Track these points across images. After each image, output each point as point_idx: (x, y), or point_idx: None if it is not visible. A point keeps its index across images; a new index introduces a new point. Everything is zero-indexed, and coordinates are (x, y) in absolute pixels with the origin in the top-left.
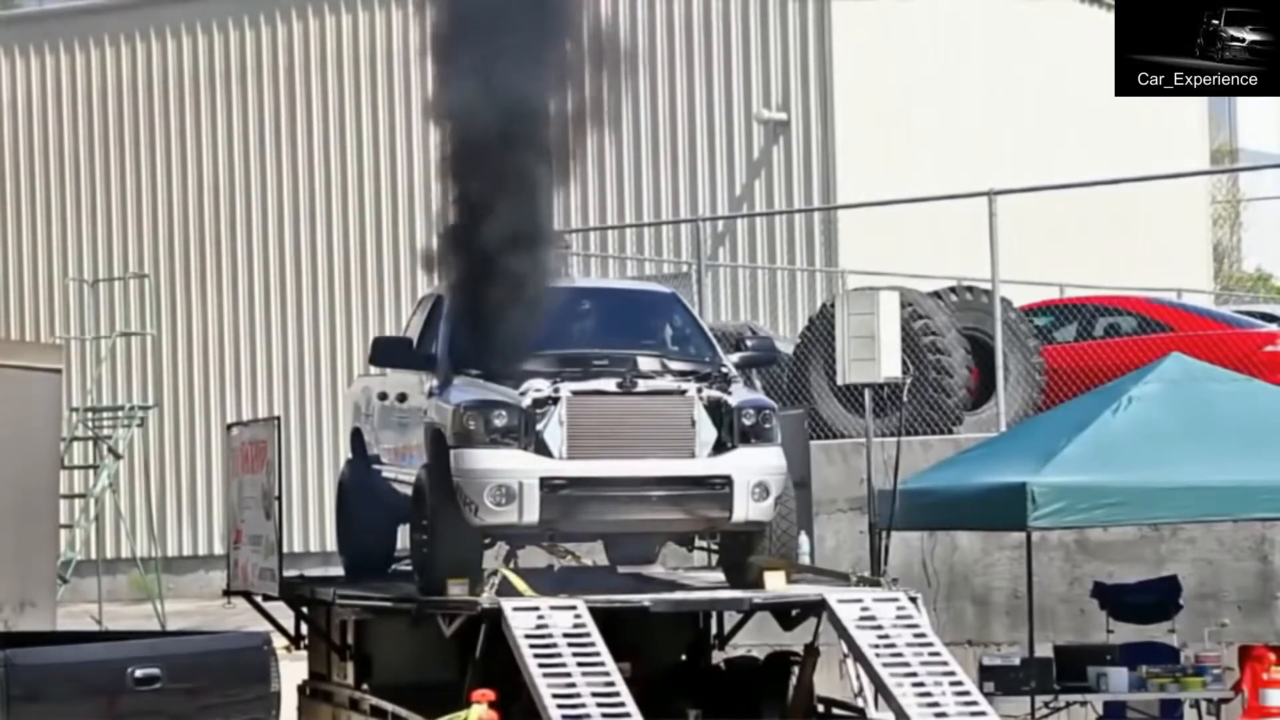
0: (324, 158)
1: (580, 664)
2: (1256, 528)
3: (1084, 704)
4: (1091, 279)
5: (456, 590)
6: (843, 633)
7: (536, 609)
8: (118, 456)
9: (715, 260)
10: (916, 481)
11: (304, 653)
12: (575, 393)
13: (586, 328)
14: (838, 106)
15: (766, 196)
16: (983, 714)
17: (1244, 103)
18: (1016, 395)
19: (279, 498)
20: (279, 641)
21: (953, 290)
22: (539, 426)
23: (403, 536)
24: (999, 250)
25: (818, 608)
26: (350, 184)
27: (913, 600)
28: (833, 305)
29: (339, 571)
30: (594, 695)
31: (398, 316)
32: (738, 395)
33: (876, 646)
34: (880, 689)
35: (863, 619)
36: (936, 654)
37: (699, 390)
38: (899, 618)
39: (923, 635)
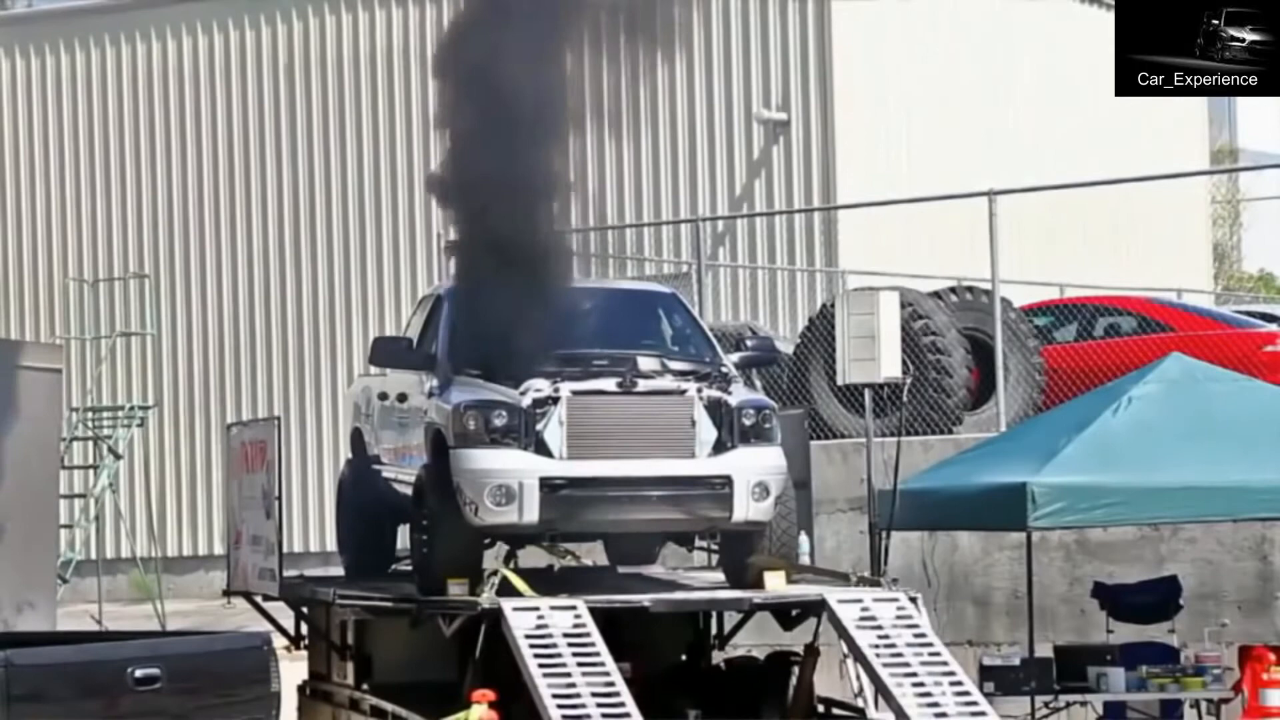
0: (324, 157)
1: (580, 664)
2: (1256, 528)
3: (1084, 704)
4: (1091, 279)
5: (456, 590)
6: (843, 633)
7: (536, 609)
8: (118, 456)
9: (715, 260)
10: (916, 481)
11: (304, 653)
12: (575, 393)
13: (586, 328)
14: (838, 106)
15: (766, 196)
16: (983, 714)
17: (1244, 103)
18: (1016, 395)
19: (279, 498)
20: (279, 641)
21: (953, 290)
22: (539, 426)
23: (403, 536)
24: (999, 250)
25: (818, 608)
26: (350, 183)
27: (913, 600)
28: (833, 305)
29: (339, 571)
30: (594, 695)
31: (398, 316)
32: (738, 395)
33: (876, 646)
34: (880, 689)
35: (863, 619)
36: (936, 654)
37: (699, 390)
38: (899, 618)
39: (923, 635)
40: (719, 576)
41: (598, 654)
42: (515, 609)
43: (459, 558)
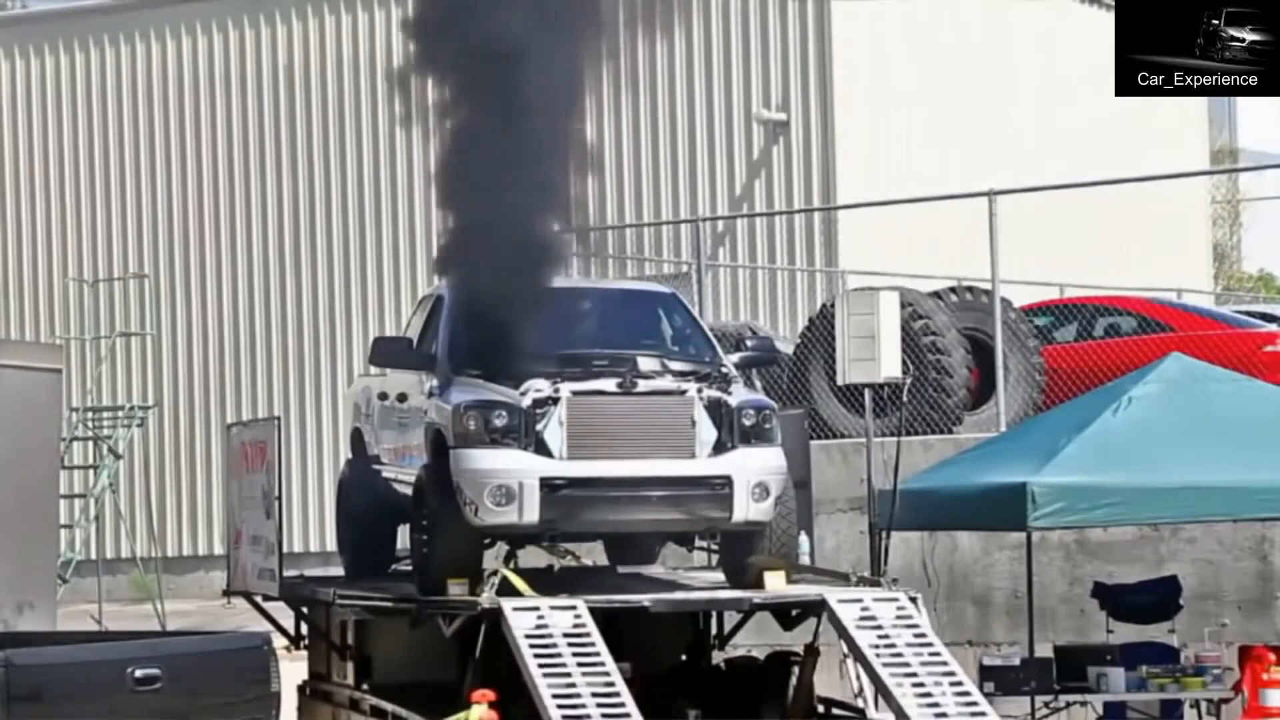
0: (324, 158)
1: (580, 664)
2: (1256, 528)
3: (1084, 704)
4: (1091, 279)
5: (456, 590)
6: (843, 633)
7: (536, 609)
8: (118, 456)
9: (715, 260)
10: (916, 481)
11: (304, 653)
12: (575, 393)
13: (586, 328)
14: (838, 106)
15: (766, 196)
16: (983, 714)
17: (1244, 103)
18: (1016, 395)
19: (279, 498)
20: (279, 641)
21: (953, 290)
22: (539, 426)
23: (403, 536)
24: (999, 250)
25: (818, 608)
26: (350, 184)
27: (913, 600)
28: (833, 305)
29: (339, 571)
30: (594, 695)
31: (398, 316)
32: (738, 395)
33: (876, 646)
34: (880, 689)
35: (863, 619)
36: (936, 654)
37: (699, 390)
38: (899, 618)
39: (923, 635)
40: (719, 576)
41: (598, 654)
42: (515, 609)
43: (459, 558)
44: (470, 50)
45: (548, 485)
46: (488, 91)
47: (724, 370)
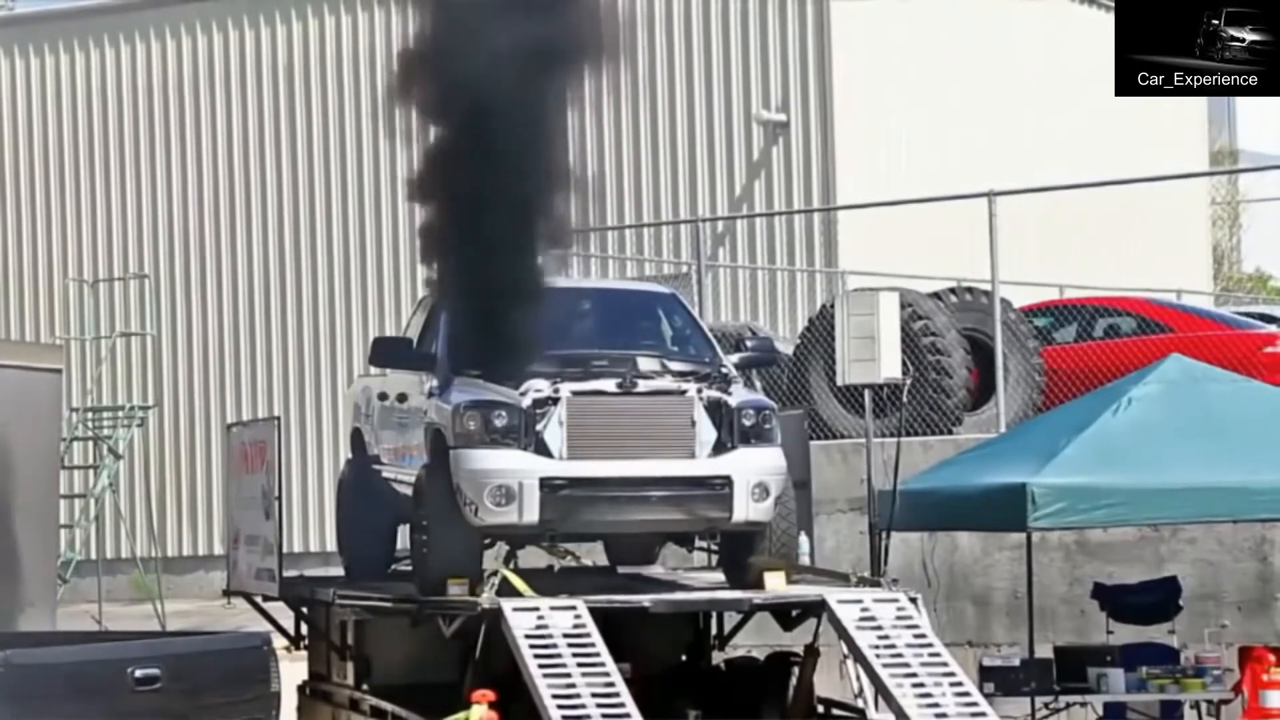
0: (324, 158)
1: (580, 664)
2: (1256, 528)
3: (1084, 705)
4: (1091, 279)
5: (456, 590)
6: (843, 633)
7: (536, 609)
8: (118, 456)
9: (715, 260)
10: (916, 482)
11: (304, 653)
12: (575, 393)
13: (586, 328)
14: (838, 106)
15: (766, 197)
16: (983, 715)
17: (1244, 103)
18: (1016, 396)
19: (279, 498)
20: (279, 641)
21: (953, 290)
22: (539, 427)
23: (403, 536)
24: (999, 250)
25: (818, 608)
26: (350, 184)
27: (913, 601)
28: (833, 305)
29: (339, 571)
30: (594, 695)
31: (398, 316)
32: (738, 395)
33: (876, 647)
34: (880, 689)
35: (863, 619)
36: (936, 654)
37: (699, 390)
38: (899, 618)
39: (923, 636)
40: (719, 576)
41: (598, 654)
42: (515, 609)
43: (459, 558)
44: (465, 43)
45: (548, 485)
46: (484, 86)
47: (724, 370)
